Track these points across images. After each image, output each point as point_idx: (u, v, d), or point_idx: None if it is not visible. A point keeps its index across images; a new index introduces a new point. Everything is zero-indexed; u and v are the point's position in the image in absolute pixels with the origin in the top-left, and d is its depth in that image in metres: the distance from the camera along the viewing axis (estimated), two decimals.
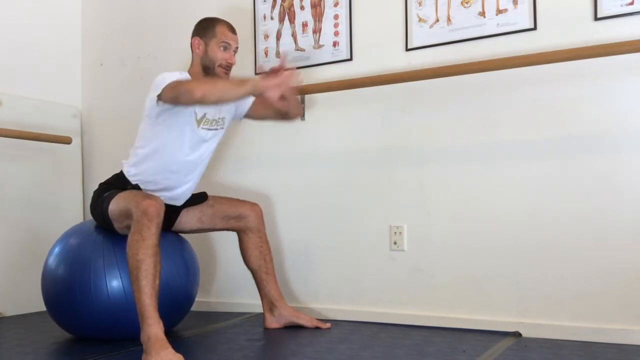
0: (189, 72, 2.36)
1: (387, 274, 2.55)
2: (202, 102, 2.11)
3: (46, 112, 3.23)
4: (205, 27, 2.37)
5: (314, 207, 2.74)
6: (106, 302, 2.17)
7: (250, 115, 2.53)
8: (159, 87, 2.16)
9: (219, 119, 2.39)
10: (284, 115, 2.50)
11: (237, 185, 2.92)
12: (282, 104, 2.35)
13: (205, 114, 2.32)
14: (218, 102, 2.20)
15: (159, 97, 2.16)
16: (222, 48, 2.33)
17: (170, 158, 2.30)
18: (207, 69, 2.34)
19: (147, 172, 2.32)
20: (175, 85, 2.15)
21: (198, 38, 2.36)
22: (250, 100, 2.47)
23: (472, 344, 2.10)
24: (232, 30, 2.39)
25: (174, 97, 2.14)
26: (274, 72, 2.11)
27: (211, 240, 2.98)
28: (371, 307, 2.57)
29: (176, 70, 2.29)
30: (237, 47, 2.39)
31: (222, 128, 2.42)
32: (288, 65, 2.17)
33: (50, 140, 3.15)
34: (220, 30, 2.35)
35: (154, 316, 1.96)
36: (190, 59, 2.39)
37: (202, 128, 2.33)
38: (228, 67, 2.36)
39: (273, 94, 2.08)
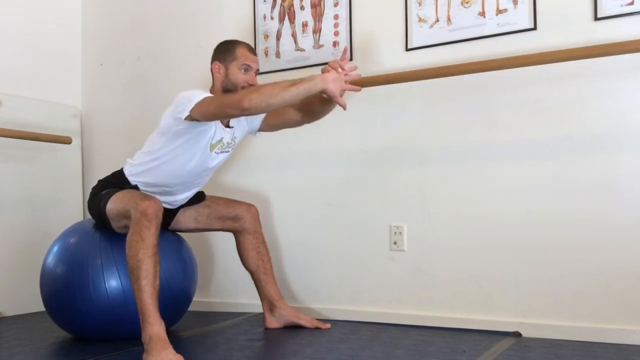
0: (211, 91, 2.30)
1: (387, 274, 2.55)
2: (250, 111, 2.06)
3: (46, 112, 3.23)
4: (225, 51, 2.32)
5: (313, 207, 2.74)
6: (105, 301, 2.18)
7: (264, 128, 2.48)
8: (186, 105, 2.11)
9: (232, 140, 2.37)
10: (311, 117, 2.40)
11: (237, 185, 2.92)
12: (325, 104, 2.28)
13: (221, 139, 2.30)
14: (268, 108, 2.09)
15: (189, 114, 2.11)
16: (242, 70, 2.29)
17: (175, 172, 2.29)
18: (228, 92, 2.28)
19: (148, 178, 2.31)
20: (213, 99, 2.12)
21: (218, 62, 2.32)
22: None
23: (472, 344, 2.10)
24: (252, 51, 2.35)
25: (213, 112, 2.09)
26: (333, 67, 2.09)
27: (210, 240, 2.98)
28: (371, 307, 2.57)
29: (196, 89, 2.22)
30: (257, 69, 2.36)
31: (232, 148, 2.40)
32: (348, 59, 2.15)
33: (50, 140, 3.15)
34: (240, 52, 2.30)
35: (155, 316, 1.96)
36: (211, 82, 2.37)
37: (215, 152, 2.31)
38: None
39: (335, 89, 2.05)
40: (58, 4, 3.40)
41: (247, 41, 2.43)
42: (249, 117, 2.41)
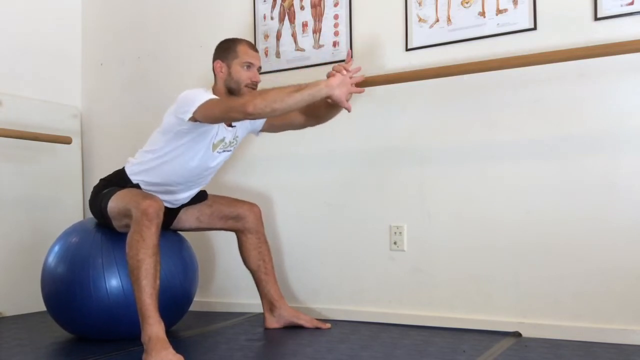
0: (213, 90, 2.28)
1: (387, 274, 2.55)
2: (254, 116, 2.05)
3: (46, 112, 3.23)
4: (226, 49, 2.31)
5: (314, 207, 2.74)
6: (105, 301, 2.17)
7: (267, 128, 2.48)
8: (189, 106, 2.10)
9: (234, 139, 2.37)
10: (315, 120, 2.40)
11: (238, 185, 2.91)
12: (331, 109, 2.27)
13: (223, 138, 2.30)
14: (273, 113, 2.07)
15: (192, 116, 2.10)
16: (245, 67, 2.28)
17: (177, 172, 2.28)
18: (232, 91, 2.28)
19: (150, 177, 2.31)
20: (217, 103, 2.11)
21: (220, 61, 2.30)
22: None
23: (472, 344, 2.10)
24: (254, 48, 2.35)
25: (217, 116, 2.09)
26: (337, 70, 2.09)
27: (211, 240, 2.98)
28: (371, 307, 2.57)
29: (198, 88, 2.22)
30: (260, 66, 2.35)
31: (234, 147, 2.40)
32: (352, 63, 2.14)
33: (50, 140, 3.15)
34: (241, 50, 2.29)
35: (154, 316, 1.96)
36: (213, 81, 2.36)
37: (217, 152, 2.31)
38: (254, 86, 2.30)
39: (340, 95, 2.05)
40: (58, 4, 3.40)
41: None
42: None
